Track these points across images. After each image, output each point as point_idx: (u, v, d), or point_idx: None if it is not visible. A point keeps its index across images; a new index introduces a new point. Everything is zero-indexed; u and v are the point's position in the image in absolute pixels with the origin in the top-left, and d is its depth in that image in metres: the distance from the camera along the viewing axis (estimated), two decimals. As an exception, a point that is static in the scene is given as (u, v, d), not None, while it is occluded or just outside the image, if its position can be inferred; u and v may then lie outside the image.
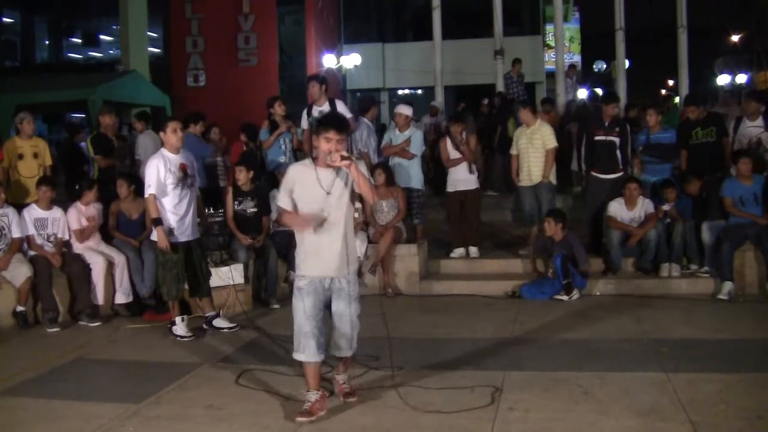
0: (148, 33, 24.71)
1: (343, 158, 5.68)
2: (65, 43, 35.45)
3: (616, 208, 10.42)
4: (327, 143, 5.76)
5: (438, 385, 6.44)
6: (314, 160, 6.00)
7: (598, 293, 10.07)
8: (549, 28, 28.79)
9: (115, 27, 28.08)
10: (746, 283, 9.92)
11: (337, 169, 5.86)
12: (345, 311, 6.14)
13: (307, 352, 6.06)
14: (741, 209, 9.92)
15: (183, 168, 8.31)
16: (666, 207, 10.41)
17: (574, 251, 9.99)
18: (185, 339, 8.36)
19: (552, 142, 11.00)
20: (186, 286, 8.69)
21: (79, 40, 35.54)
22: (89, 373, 7.34)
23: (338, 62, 28.01)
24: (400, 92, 32.46)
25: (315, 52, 26.83)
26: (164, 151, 8.33)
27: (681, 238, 10.14)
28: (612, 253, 10.36)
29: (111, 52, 33.45)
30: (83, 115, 22.49)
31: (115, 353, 8.08)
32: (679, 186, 10.59)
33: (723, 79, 39.90)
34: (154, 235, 8.30)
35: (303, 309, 6.05)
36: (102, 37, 35.36)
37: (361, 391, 6.41)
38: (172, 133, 8.31)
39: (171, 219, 8.27)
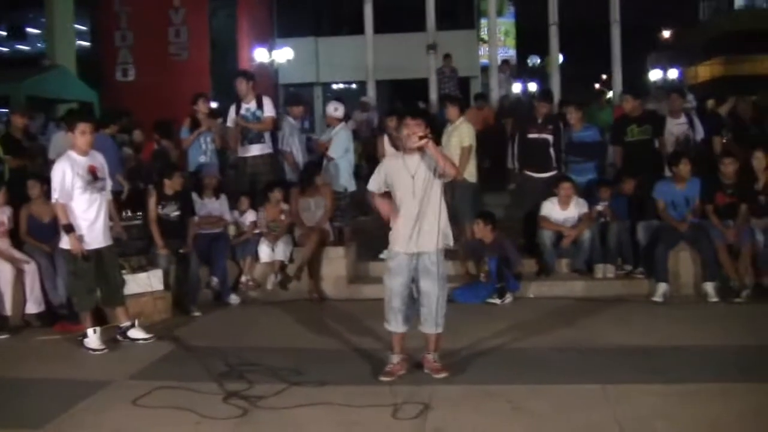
0: (78, 26, 23.94)
1: (420, 138, 6.30)
2: (-11, 36, 34.32)
3: (549, 208, 10.16)
4: (406, 128, 6.46)
5: (363, 402, 6.03)
6: (401, 149, 6.79)
7: (531, 295, 9.82)
8: (484, 22, 28.64)
9: (43, 20, 27.16)
10: (681, 283, 9.72)
11: (422, 154, 6.47)
12: (432, 290, 6.60)
13: (394, 324, 6.73)
14: (671, 213, 9.73)
15: (92, 170, 7.81)
16: (600, 207, 10.19)
17: (507, 253, 9.70)
18: (98, 352, 7.84)
19: (467, 141, 10.58)
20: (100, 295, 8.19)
21: (4, 33, 34.42)
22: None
23: (270, 56, 27.51)
24: (334, 87, 32.07)
25: (247, 47, 26.34)
26: (71, 153, 7.82)
27: (616, 239, 9.93)
28: (545, 254, 10.10)
29: (39, 45, 32.42)
30: (5, 110, 21.75)
31: (19, 370, 7.48)
32: (614, 185, 10.38)
33: (655, 75, 40.29)
34: (65, 242, 7.81)
35: (391, 286, 6.65)
36: (29, 30, 34.24)
37: (278, 409, 6.00)
38: (81, 135, 7.81)
39: (80, 225, 7.77)
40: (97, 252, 7.93)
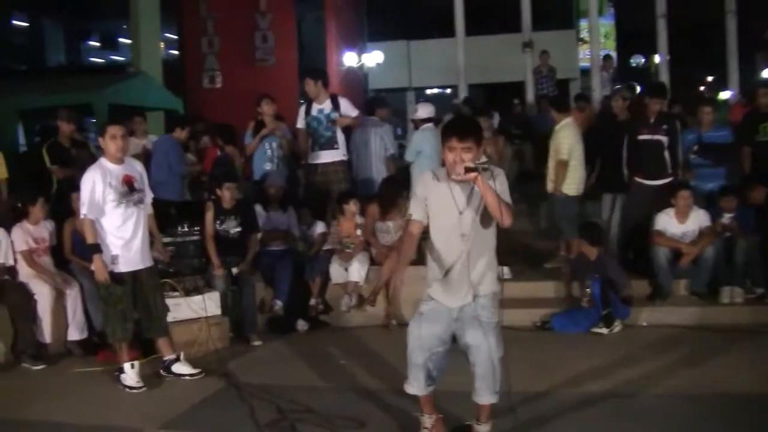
0: (168, 35, 23.55)
1: (467, 170, 4.68)
2: (83, 47, 34.49)
3: (665, 221, 8.78)
4: (451, 153, 4.84)
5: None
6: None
7: (644, 324, 8.44)
8: (583, 24, 27.32)
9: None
10: (824, 311, 8.22)
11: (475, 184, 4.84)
12: (482, 343, 5.02)
13: (415, 385, 5.26)
14: None
15: (127, 181, 6.78)
16: (725, 219, 8.77)
17: (611, 274, 8.35)
18: (134, 390, 6.80)
19: (561, 154, 9.51)
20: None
21: (98, 43, 34.55)
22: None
23: (359, 60, 26.67)
24: (428, 91, 31.12)
25: (335, 51, 25.64)
26: (104, 161, 6.81)
27: (744, 257, 8.51)
28: (660, 274, 8.68)
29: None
30: (93, 120, 21.49)
31: (40, 409, 6.48)
32: (741, 193, 8.95)
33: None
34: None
35: (418, 336, 5.15)
36: (122, 40, 34.30)
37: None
38: (111, 141, 6.77)
39: (114, 244, 6.75)
40: (134, 275, 6.90)
